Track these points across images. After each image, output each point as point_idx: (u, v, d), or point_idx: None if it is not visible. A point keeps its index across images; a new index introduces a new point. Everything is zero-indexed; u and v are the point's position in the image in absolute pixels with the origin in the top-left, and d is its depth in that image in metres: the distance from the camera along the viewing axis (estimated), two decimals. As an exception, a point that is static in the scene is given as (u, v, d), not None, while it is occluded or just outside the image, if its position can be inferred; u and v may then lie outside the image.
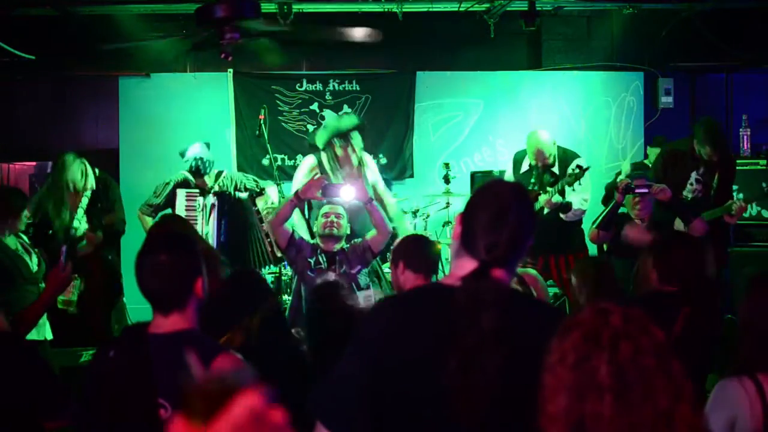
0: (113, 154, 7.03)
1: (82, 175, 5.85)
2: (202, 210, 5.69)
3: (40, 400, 2.60)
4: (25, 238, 4.81)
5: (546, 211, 5.45)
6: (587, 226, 5.72)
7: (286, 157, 7.35)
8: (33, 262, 4.72)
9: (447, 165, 6.15)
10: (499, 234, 1.75)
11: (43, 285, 4.80)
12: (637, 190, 4.88)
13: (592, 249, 5.82)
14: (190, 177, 5.78)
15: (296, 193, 4.63)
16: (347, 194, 4.69)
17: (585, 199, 5.61)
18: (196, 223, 5.61)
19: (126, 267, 6.52)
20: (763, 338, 2.26)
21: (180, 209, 5.72)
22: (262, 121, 6.09)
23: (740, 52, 7.07)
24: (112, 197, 5.97)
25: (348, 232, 4.86)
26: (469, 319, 1.65)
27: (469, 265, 1.76)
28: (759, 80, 7.59)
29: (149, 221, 5.69)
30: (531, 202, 1.89)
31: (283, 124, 7.35)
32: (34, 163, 7.48)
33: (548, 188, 5.48)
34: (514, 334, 1.65)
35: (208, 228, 5.65)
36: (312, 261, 4.65)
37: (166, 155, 6.26)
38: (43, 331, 4.61)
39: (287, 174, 7.08)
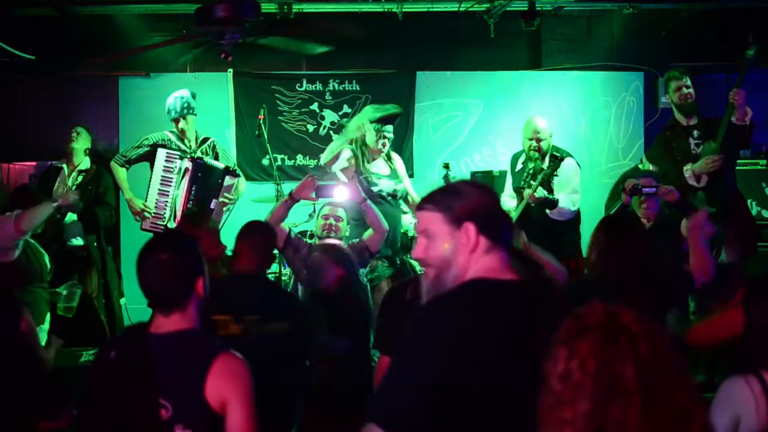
0: (113, 154, 7.02)
1: (85, 153, 5.99)
2: (178, 173, 5.72)
3: (34, 402, 2.59)
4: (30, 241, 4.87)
5: (533, 205, 5.38)
6: (585, 230, 5.71)
7: (286, 157, 7.35)
8: (48, 264, 4.76)
9: (447, 165, 6.13)
10: (511, 225, 1.90)
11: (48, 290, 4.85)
12: (644, 190, 4.89)
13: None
14: (173, 138, 5.82)
15: (290, 193, 4.64)
16: (340, 195, 4.73)
17: (574, 198, 5.57)
18: (171, 185, 5.66)
19: (126, 267, 6.52)
20: None
21: (158, 168, 5.79)
22: (261, 121, 6.11)
23: (740, 52, 7.06)
24: (104, 186, 6.03)
25: (347, 234, 4.88)
26: (553, 307, 1.73)
27: (499, 255, 1.86)
28: (759, 80, 7.57)
29: (121, 171, 5.90)
30: None
31: (283, 124, 7.35)
32: (34, 163, 7.47)
33: (531, 182, 5.40)
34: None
35: (178, 192, 5.69)
36: None
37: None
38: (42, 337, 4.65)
39: (287, 174, 7.08)
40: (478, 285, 1.83)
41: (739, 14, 7.15)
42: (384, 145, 5.49)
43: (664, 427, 1.38)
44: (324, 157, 5.61)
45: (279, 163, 7.14)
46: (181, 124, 5.89)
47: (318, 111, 7.39)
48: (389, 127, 5.54)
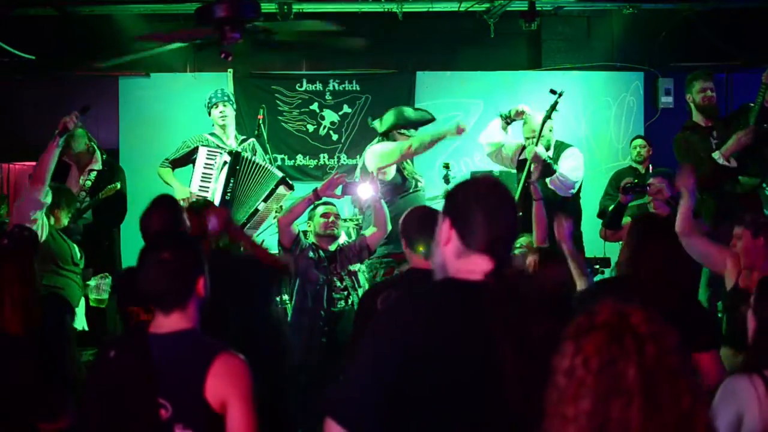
0: (113, 154, 7.03)
1: (87, 150, 5.99)
2: (218, 167, 5.73)
3: (35, 403, 2.59)
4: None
5: (533, 166, 5.28)
6: (586, 229, 5.71)
7: (286, 157, 7.35)
8: (76, 251, 4.85)
9: (447, 165, 6.13)
10: (503, 227, 1.83)
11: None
12: (627, 194, 4.93)
13: (595, 249, 5.81)
14: (211, 138, 5.84)
15: (315, 190, 4.66)
16: (365, 192, 4.78)
17: (577, 174, 5.52)
18: (210, 180, 5.72)
19: (127, 266, 6.52)
20: None
21: (199, 166, 5.80)
22: (261, 121, 6.13)
23: (740, 52, 7.07)
24: (117, 181, 6.03)
25: (342, 231, 4.95)
26: (514, 310, 1.70)
27: (480, 260, 1.81)
28: (759, 80, 7.57)
29: (165, 171, 5.90)
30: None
31: (283, 124, 7.35)
32: (34, 163, 7.47)
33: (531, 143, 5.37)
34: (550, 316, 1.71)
35: (216, 186, 5.69)
36: (315, 259, 4.68)
37: (166, 155, 6.25)
38: (81, 322, 4.75)
39: (287, 174, 7.07)
40: (445, 285, 1.86)
41: (739, 14, 7.16)
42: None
43: (666, 429, 1.38)
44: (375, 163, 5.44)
45: (279, 163, 7.14)
46: (221, 108, 5.87)
47: (318, 111, 7.39)
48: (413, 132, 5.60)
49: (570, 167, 5.49)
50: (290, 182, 5.96)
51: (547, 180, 5.41)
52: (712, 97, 5.30)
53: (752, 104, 5.16)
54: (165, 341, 2.17)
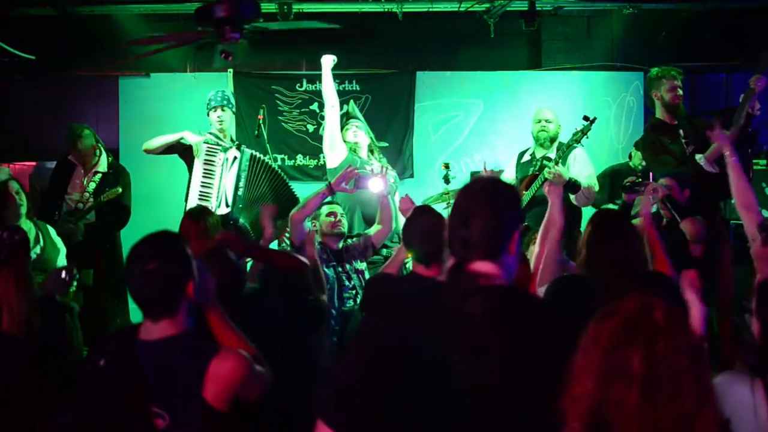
0: (113, 154, 7.02)
1: (94, 152, 5.97)
2: (222, 165, 5.69)
3: (31, 401, 2.58)
4: (50, 229, 4.85)
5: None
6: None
7: (286, 157, 7.35)
8: (33, 252, 4.70)
9: (447, 165, 6.14)
10: (470, 229, 1.79)
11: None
12: (629, 192, 4.91)
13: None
14: (211, 137, 5.80)
15: (328, 184, 4.65)
16: (375, 186, 4.80)
17: (591, 175, 5.53)
18: (212, 177, 5.68)
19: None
20: None
21: (198, 162, 5.73)
22: (261, 121, 6.12)
23: (740, 52, 7.07)
24: (121, 185, 6.01)
25: (346, 229, 4.96)
26: (459, 310, 1.69)
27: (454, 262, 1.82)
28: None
29: (153, 140, 5.80)
30: (506, 193, 1.88)
31: (283, 124, 7.35)
32: (34, 163, 7.48)
33: (548, 163, 5.34)
34: (509, 320, 1.69)
35: (222, 182, 5.67)
36: (324, 258, 4.68)
37: (165, 155, 6.24)
38: None
39: (287, 174, 7.06)
40: (421, 287, 1.90)
41: (739, 14, 7.16)
42: (355, 133, 5.64)
43: (665, 427, 1.38)
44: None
45: (279, 162, 7.14)
46: (219, 113, 5.80)
47: (318, 111, 7.38)
48: (352, 120, 5.71)
49: (587, 176, 5.51)
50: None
51: (572, 197, 5.40)
52: (681, 96, 5.24)
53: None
54: (156, 348, 2.12)
